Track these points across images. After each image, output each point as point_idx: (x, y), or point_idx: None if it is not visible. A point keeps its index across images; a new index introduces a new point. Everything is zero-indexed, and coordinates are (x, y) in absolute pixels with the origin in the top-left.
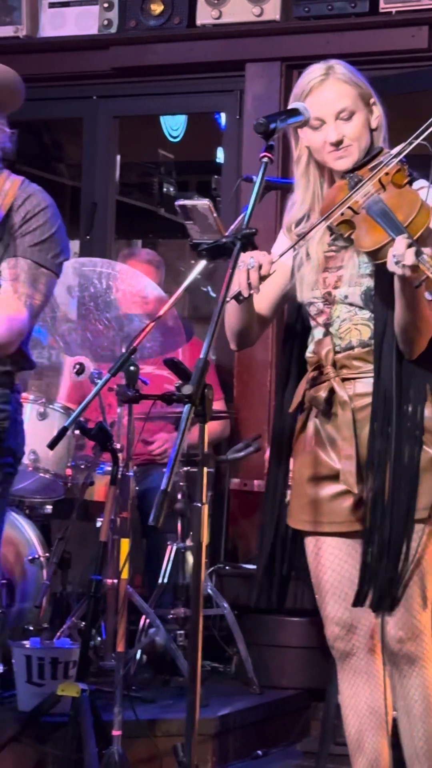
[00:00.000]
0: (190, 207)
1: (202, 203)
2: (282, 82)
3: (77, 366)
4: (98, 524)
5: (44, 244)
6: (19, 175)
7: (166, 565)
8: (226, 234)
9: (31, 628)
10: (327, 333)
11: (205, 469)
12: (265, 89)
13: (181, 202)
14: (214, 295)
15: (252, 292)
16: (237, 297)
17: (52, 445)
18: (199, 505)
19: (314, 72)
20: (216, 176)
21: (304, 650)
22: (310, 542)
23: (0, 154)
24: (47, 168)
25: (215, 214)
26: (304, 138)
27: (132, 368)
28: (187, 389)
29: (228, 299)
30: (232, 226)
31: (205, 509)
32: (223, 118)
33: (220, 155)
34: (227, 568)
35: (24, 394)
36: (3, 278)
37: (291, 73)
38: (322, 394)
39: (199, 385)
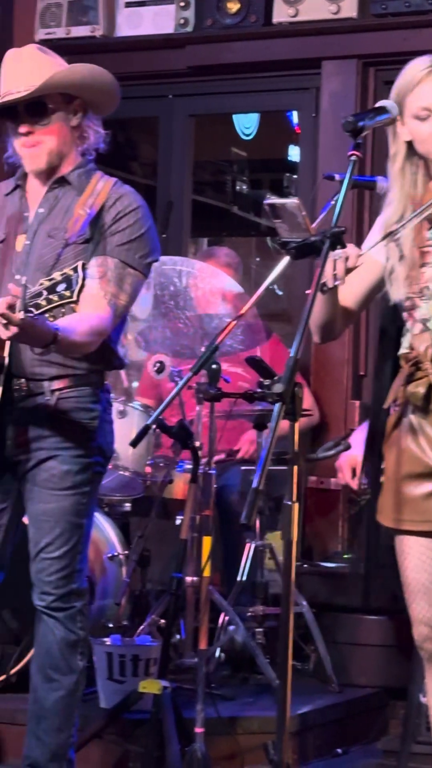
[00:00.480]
0: (278, 205)
1: (291, 202)
2: (358, 80)
3: (157, 364)
4: (177, 522)
5: (132, 244)
6: None
7: (245, 563)
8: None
9: (111, 625)
10: (425, 329)
11: (296, 468)
12: (342, 87)
13: (270, 200)
14: (280, 293)
15: (337, 283)
16: (322, 287)
17: (134, 443)
18: (290, 503)
19: (421, 64)
20: (288, 174)
21: (383, 648)
22: (400, 540)
23: (93, 155)
24: (122, 166)
25: (304, 213)
26: (404, 132)
27: (214, 366)
28: (278, 388)
29: (315, 293)
30: (314, 224)
31: (296, 507)
32: (295, 116)
33: (293, 153)
34: (305, 566)
35: None
36: (90, 276)
37: (367, 70)
38: (421, 390)
39: (290, 383)
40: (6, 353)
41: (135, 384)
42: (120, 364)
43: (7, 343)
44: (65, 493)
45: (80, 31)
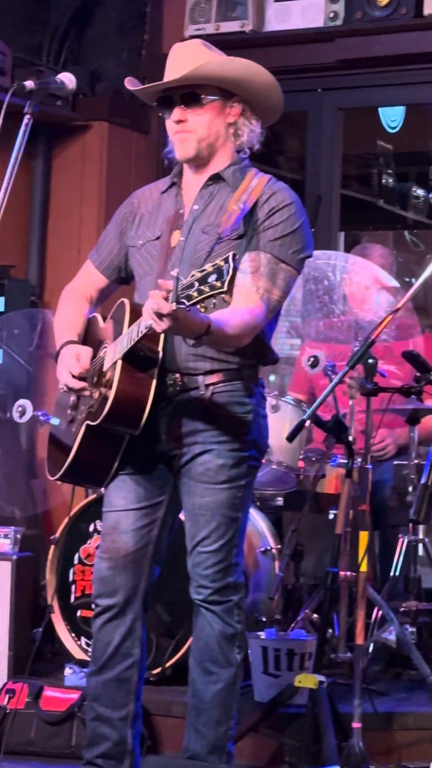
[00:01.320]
0: None
1: None
2: None
3: (311, 359)
4: (330, 516)
5: (285, 239)
6: None
7: (398, 558)
8: None
9: (264, 618)
10: None
11: None
12: None
13: None
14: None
15: None
16: None
17: (291, 438)
18: None
19: None
20: None
21: None
22: None
23: (248, 153)
24: (268, 161)
25: None
26: None
27: (370, 361)
28: None
29: None
30: None
31: None
32: None
33: None
34: None
35: None
36: (243, 271)
37: None
38: None
39: None
40: (160, 347)
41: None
42: (274, 359)
43: (161, 338)
44: (220, 486)
45: (229, 26)
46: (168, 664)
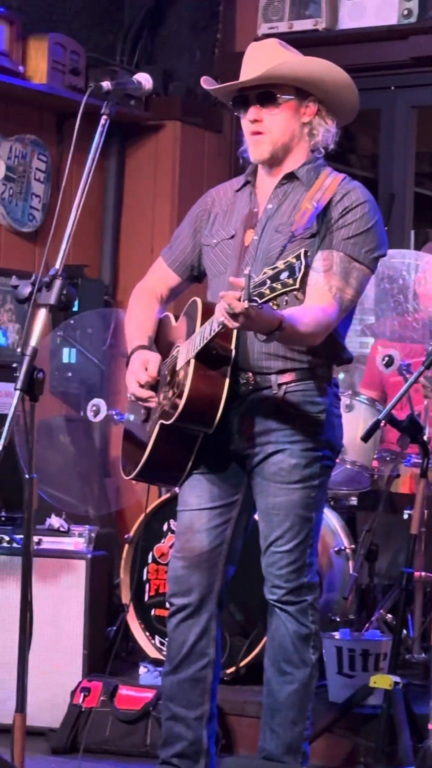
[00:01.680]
0: None
1: None
2: None
3: (386, 358)
4: (405, 516)
5: (359, 238)
6: None
7: None
8: None
9: (337, 618)
10: None
11: None
12: None
13: None
14: None
15: None
16: None
17: (366, 438)
18: None
19: None
20: None
21: None
22: None
23: (323, 152)
24: (340, 159)
25: None
26: None
27: None
28: None
29: None
30: None
31: None
32: None
33: None
34: None
35: None
36: (315, 269)
37: None
38: None
39: None
40: (232, 345)
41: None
42: (348, 359)
43: (234, 336)
44: (294, 486)
45: (303, 24)
46: (242, 664)
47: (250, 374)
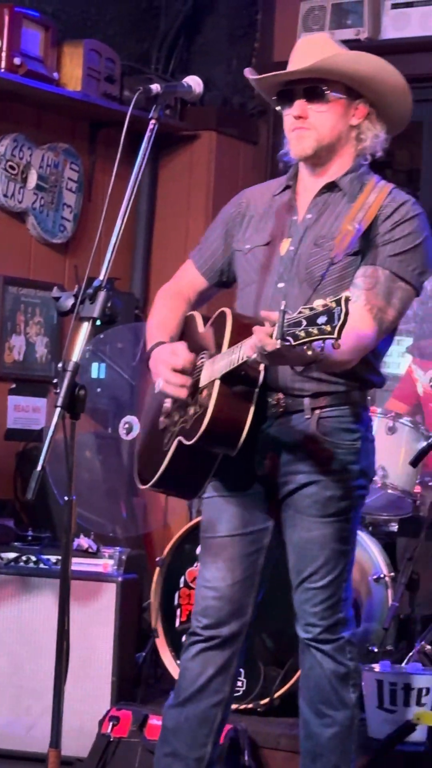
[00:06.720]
0: None
1: None
2: None
3: None
4: None
5: (406, 255)
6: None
7: None
8: None
9: (375, 649)
10: None
11: None
12: None
13: None
14: None
15: None
16: None
17: (415, 463)
18: None
19: None
20: None
21: None
22: None
23: (369, 159)
24: (376, 173)
25: None
26: None
27: None
28: None
29: None
30: None
31: None
32: None
33: None
34: None
35: (372, 407)
36: (356, 286)
37: None
38: None
39: None
40: (261, 367)
41: None
42: (381, 382)
43: None
44: (329, 519)
45: (344, 34)
46: (277, 695)
47: (281, 395)
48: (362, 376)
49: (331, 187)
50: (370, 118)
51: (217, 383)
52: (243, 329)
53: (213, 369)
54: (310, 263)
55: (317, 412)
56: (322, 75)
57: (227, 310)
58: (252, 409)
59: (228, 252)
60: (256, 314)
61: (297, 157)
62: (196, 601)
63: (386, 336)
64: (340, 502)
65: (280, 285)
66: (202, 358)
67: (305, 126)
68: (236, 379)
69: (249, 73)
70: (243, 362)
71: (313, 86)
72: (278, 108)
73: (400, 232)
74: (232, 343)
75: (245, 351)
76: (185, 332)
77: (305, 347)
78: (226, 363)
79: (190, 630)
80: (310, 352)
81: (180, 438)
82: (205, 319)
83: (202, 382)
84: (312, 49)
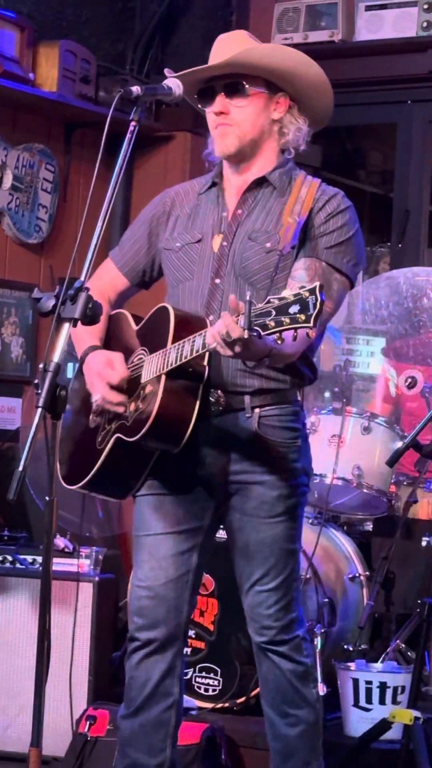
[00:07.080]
0: None
1: None
2: None
3: (409, 379)
4: (423, 543)
5: (341, 247)
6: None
7: None
8: None
9: (351, 648)
10: None
11: None
12: None
13: None
14: None
15: None
16: None
17: (391, 463)
18: None
19: None
20: None
21: None
22: None
23: (293, 153)
24: (348, 174)
25: None
26: None
27: None
28: None
29: None
30: None
31: None
32: None
33: None
34: None
35: (348, 408)
36: (297, 278)
37: None
38: None
39: None
40: (206, 362)
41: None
42: (314, 378)
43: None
44: (277, 519)
45: (318, 35)
46: (253, 694)
47: (220, 392)
48: (300, 370)
49: (260, 182)
50: (292, 111)
51: (164, 378)
52: (186, 324)
53: (158, 364)
54: (245, 257)
55: (257, 410)
56: (239, 70)
57: (169, 306)
58: (197, 405)
59: (152, 252)
60: (195, 311)
61: (221, 155)
62: (131, 601)
63: (320, 330)
64: (287, 501)
65: (217, 281)
66: (140, 354)
67: (227, 122)
68: (182, 374)
69: (168, 73)
70: (197, 355)
71: (232, 81)
72: (200, 106)
73: (333, 224)
74: (176, 339)
75: (206, 340)
76: (113, 332)
77: (276, 337)
78: (175, 357)
79: (128, 634)
80: (280, 342)
81: (119, 435)
82: (136, 318)
83: (144, 378)
84: (230, 46)
